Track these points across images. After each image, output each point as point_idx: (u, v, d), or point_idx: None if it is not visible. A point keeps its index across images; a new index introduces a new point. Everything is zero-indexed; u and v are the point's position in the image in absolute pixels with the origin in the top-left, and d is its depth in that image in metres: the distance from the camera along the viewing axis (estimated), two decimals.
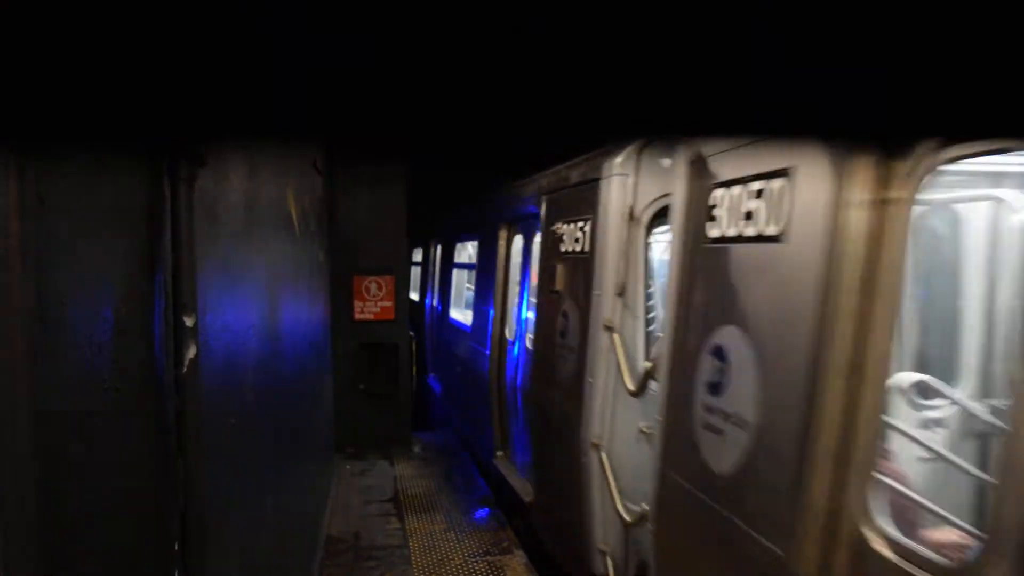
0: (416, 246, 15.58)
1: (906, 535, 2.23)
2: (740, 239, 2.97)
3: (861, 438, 2.31)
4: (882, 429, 2.43)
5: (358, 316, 9.18)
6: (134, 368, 1.81)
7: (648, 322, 4.55)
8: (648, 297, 4.56)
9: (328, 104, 1.00)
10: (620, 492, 4.37)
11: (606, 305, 4.58)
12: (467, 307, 10.28)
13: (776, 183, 2.73)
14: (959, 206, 3.23)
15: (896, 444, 2.82)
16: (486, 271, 8.31)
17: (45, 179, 1.32)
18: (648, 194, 4.42)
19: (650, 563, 3.75)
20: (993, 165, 2.98)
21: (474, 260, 9.43)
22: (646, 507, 3.80)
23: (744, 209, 2.93)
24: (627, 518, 4.20)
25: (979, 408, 3.17)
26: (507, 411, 7.43)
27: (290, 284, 4.66)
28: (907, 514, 2.43)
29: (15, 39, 0.88)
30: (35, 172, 1.28)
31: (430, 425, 11.43)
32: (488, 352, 7.77)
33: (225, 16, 0.90)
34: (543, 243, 5.87)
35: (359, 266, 9.14)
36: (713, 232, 3.19)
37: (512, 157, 6.75)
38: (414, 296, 14.78)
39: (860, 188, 2.30)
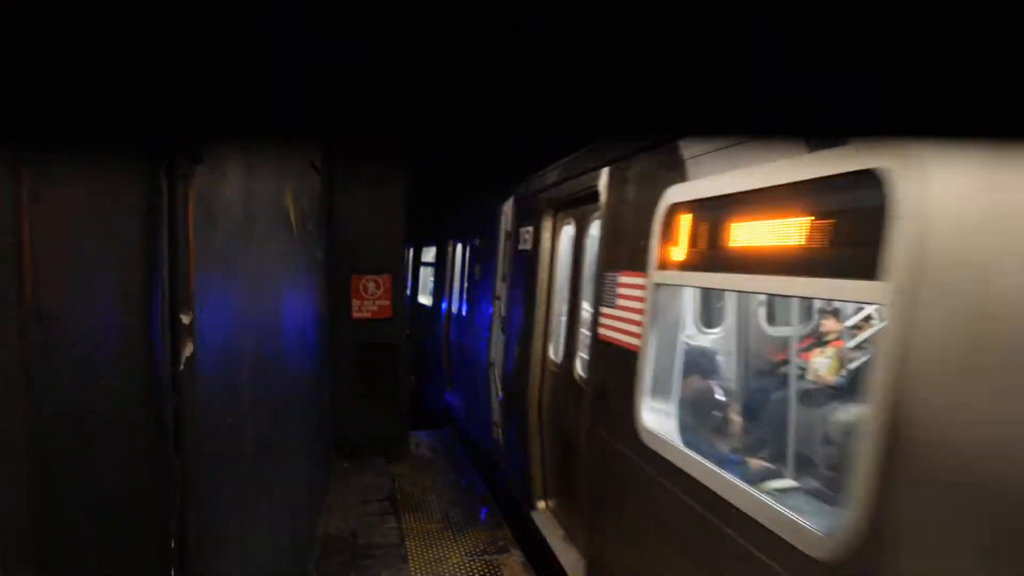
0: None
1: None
2: (526, 251, 6.48)
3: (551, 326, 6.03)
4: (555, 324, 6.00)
5: (356, 315, 9.19)
6: (131, 366, 1.81)
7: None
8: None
9: (327, 104, 1.00)
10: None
11: (497, 285, 7.73)
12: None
13: (531, 229, 6.39)
14: None
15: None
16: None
17: (42, 176, 1.32)
18: (515, 219, 7.10)
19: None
20: None
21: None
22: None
23: (527, 237, 6.47)
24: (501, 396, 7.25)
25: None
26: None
27: (288, 283, 4.66)
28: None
29: (13, 38, 0.88)
30: (32, 170, 1.28)
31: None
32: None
33: (224, 15, 0.90)
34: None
35: (357, 265, 9.15)
36: (521, 246, 6.65)
37: (512, 157, 6.75)
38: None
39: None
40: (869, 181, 2.21)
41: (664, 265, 3.67)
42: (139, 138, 1.79)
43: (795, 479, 4.36)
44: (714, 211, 3.26)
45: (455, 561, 5.92)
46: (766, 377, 5.29)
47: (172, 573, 2.03)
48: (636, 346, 3.88)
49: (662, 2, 0.97)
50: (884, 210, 2.15)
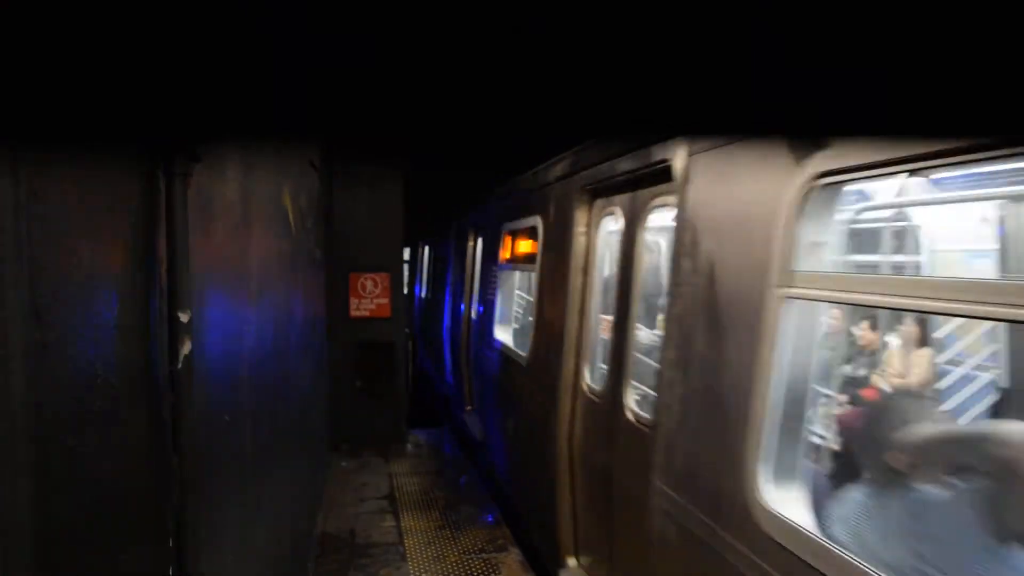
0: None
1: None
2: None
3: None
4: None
5: (354, 313, 9.18)
6: (129, 364, 1.81)
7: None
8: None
9: (326, 103, 1.00)
10: None
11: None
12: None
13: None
14: None
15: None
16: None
17: (40, 175, 1.32)
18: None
19: None
20: None
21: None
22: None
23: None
24: None
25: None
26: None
27: (286, 281, 4.66)
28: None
29: (12, 37, 0.88)
30: (30, 168, 1.28)
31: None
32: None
33: (224, 15, 0.90)
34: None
35: (355, 263, 9.15)
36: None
37: (512, 156, 6.74)
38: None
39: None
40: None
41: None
42: (138, 137, 1.79)
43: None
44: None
45: (453, 559, 5.93)
46: None
47: (170, 572, 2.03)
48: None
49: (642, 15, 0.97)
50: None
